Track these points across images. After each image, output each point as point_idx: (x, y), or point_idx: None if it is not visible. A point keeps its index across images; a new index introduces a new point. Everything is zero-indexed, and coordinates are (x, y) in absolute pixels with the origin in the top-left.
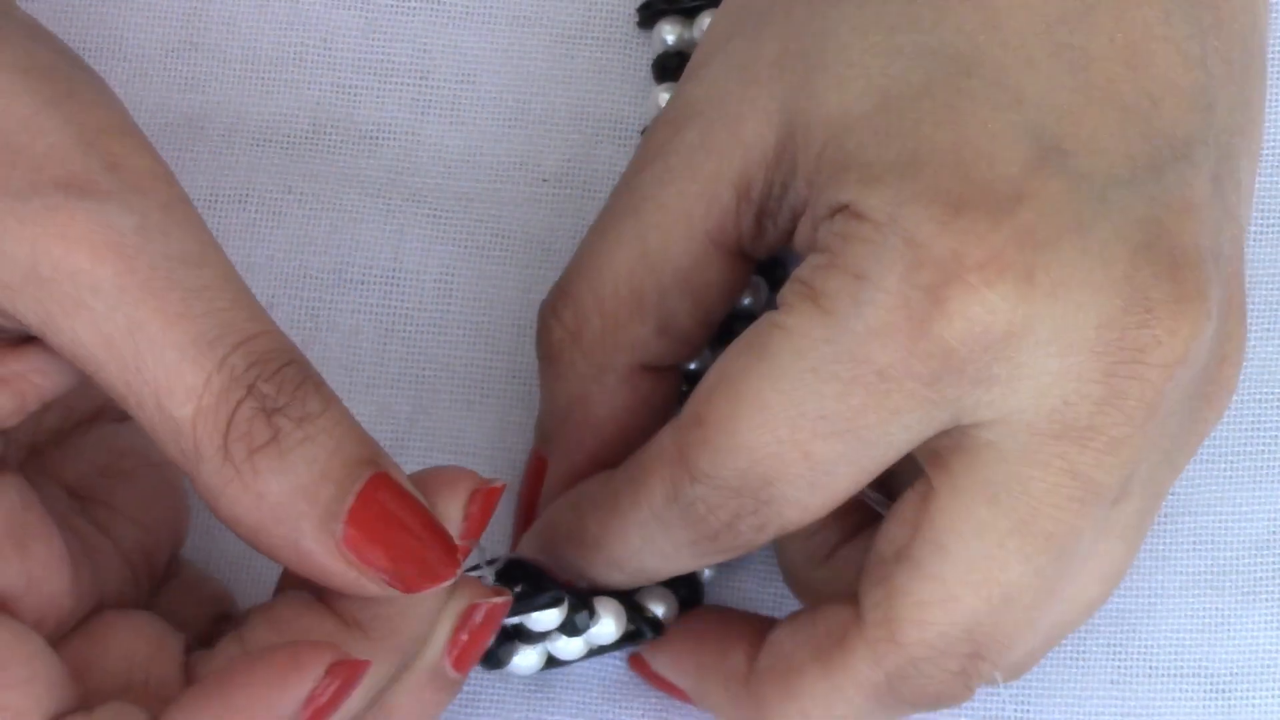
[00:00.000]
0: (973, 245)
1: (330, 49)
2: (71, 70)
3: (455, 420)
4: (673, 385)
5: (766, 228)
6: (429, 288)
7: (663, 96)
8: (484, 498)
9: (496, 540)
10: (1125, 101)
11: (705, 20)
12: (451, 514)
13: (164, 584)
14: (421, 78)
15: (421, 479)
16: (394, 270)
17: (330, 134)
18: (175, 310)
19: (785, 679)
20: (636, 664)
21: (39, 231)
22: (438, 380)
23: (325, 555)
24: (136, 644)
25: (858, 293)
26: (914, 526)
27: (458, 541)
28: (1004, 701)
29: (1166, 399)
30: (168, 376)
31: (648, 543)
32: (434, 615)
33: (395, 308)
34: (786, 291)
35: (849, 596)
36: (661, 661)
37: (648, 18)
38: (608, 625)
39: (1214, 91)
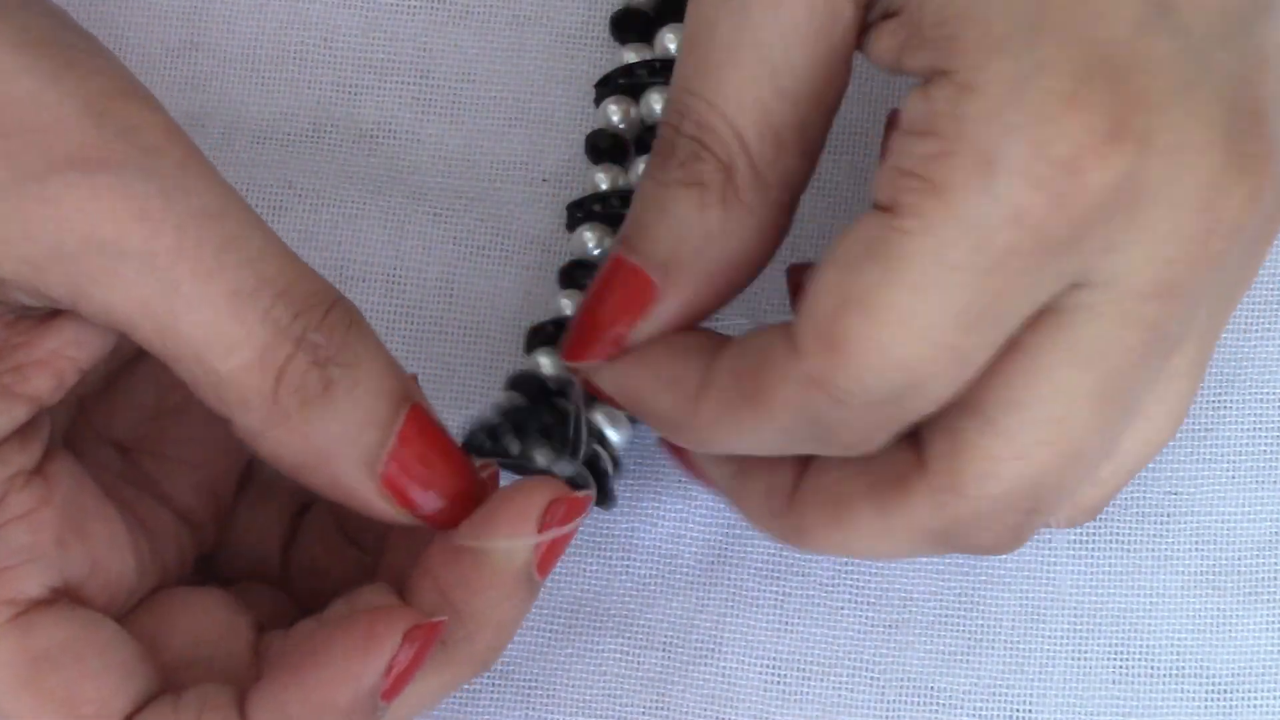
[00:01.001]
0: (1098, 115)
1: (331, 48)
2: (69, 37)
3: (455, 419)
4: (797, 207)
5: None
6: (429, 286)
7: (599, 177)
8: (568, 507)
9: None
10: None
11: (654, 98)
12: (524, 521)
13: (240, 497)
14: (422, 77)
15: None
16: (394, 269)
17: (331, 133)
18: (208, 266)
19: (835, 509)
20: (674, 450)
21: (61, 211)
22: (438, 379)
23: (365, 492)
24: (205, 622)
25: (989, 179)
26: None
27: (537, 561)
28: (1004, 702)
29: (1241, 248)
30: (207, 333)
31: (768, 447)
32: (511, 625)
33: (395, 306)
34: (896, 188)
35: (907, 439)
36: (704, 457)
37: (602, 94)
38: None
39: None
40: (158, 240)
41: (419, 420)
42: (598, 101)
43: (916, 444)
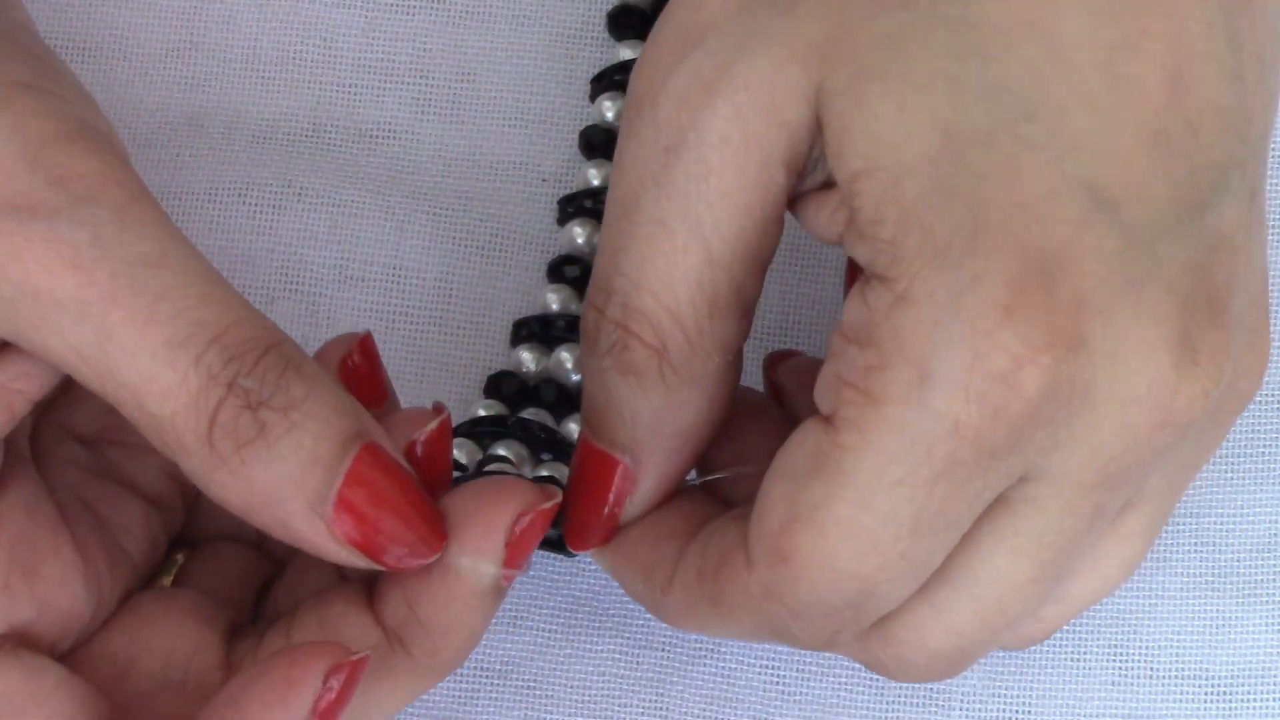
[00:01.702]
0: (1034, 325)
1: (330, 48)
2: (15, 71)
3: (455, 419)
4: (741, 360)
5: (800, 185)
6: (429, 286)
7: (592, 173)
8: (534, 520)
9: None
10: (1170, 136)
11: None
12: (491, 538)
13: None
14: (422, 77)
15: (471, 489)
16: (394, 268)
17: (331, 133)
18: (142, 317)
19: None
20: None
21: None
22: (437, 379)
23: (315, 535)
24: (175, 641)
25: (925, 392)
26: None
27: (504, 572)
28: (1004, 702)
29: (1197, 432)
30: (143, 380)
31: (733, 636)
32: (477, 635)
33: (395, 305)
34: (837, 399)
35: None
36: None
37: (597, 91)
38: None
39: (1249, 103)
40: (91, 289)
41: (372, 459)
42: (593, 98)
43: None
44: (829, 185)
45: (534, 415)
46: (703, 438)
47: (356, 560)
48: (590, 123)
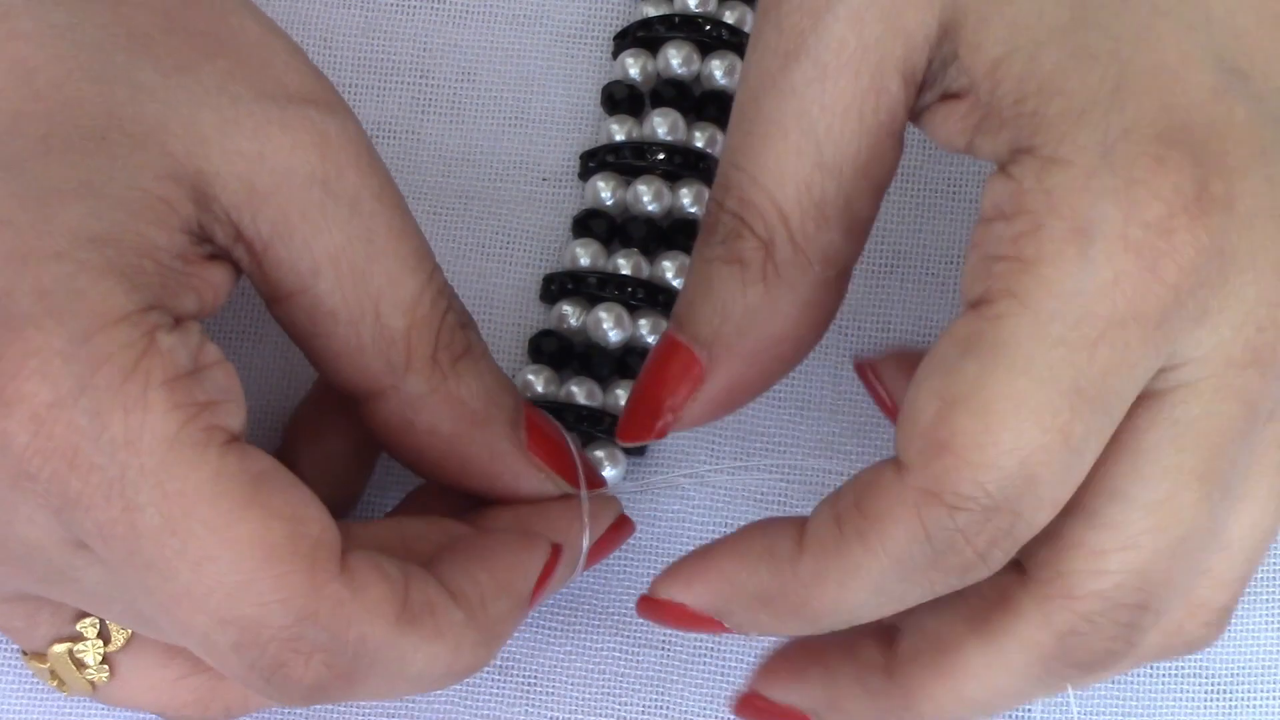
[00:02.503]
0: (1186, 178)
1: (331, 48)
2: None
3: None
4: (847, 283)
5: (920, 99)
6: None
7: (614, 128)
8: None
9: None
10: None
11: (671, 53)
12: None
13: None
14: (422, 76)
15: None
16: None
17: None
18: (399, 224)
19: (938, 658)
20: (746, 705)
21: (295, 139)
22: None
23: (516, 456)
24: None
25: (1084, 246)
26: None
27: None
28: None
29: None
30: (390, 286)
31: (876, 596)
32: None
33: None
34: (988, 276)
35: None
36: (782, 687)
37: (619, 47)
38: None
39: None
40: (366, 186)
41: (530, 408)
42: (615, 54)
43: (1014, 563)
44: (954, 96)
45: (580, 386)
46: (782, 354)
47: (545, 485)
48: (613, 78)
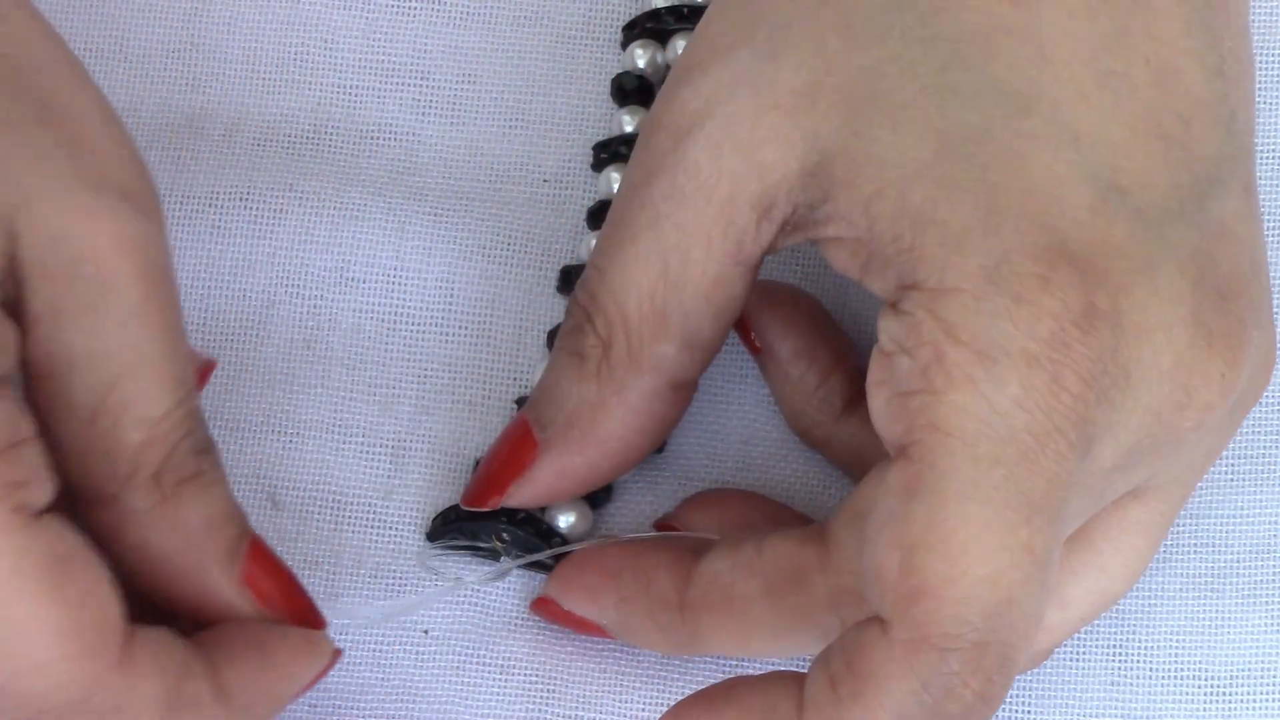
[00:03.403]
0: (1072, 295)
1: (331, 49)
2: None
3: (458, 419)
4: (688, 398)
5: (792, 236)
6: (431, 287)
7: (625, 119)
8: None
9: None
10: (1164, 128)
11: (679, 44)
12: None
13: None
14: (422, 78)
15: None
16: (396, 269)
17: (331, 134)
18: (169, 345)
19: (729, 610)
20: (541, 607)
21: (100, 234)
22: (440, 380)
23: (227, 588)
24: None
25: (990, 367)
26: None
27: None
28: (1004, 703)
29: (1215, 423)
30: (138, 401)
31: None
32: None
33: (397, 307)
34: (904, 414)
35: (802, 533)
36: (576, 599)
37: (629, 38)
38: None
39: (1232, 98)
40: (149, 299)
41: (260, 544)
42: (624, 45)
43: (808, 541)
44: (838, 238)
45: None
46: (609, 452)
47: (251, 609)
48: (623, 69)
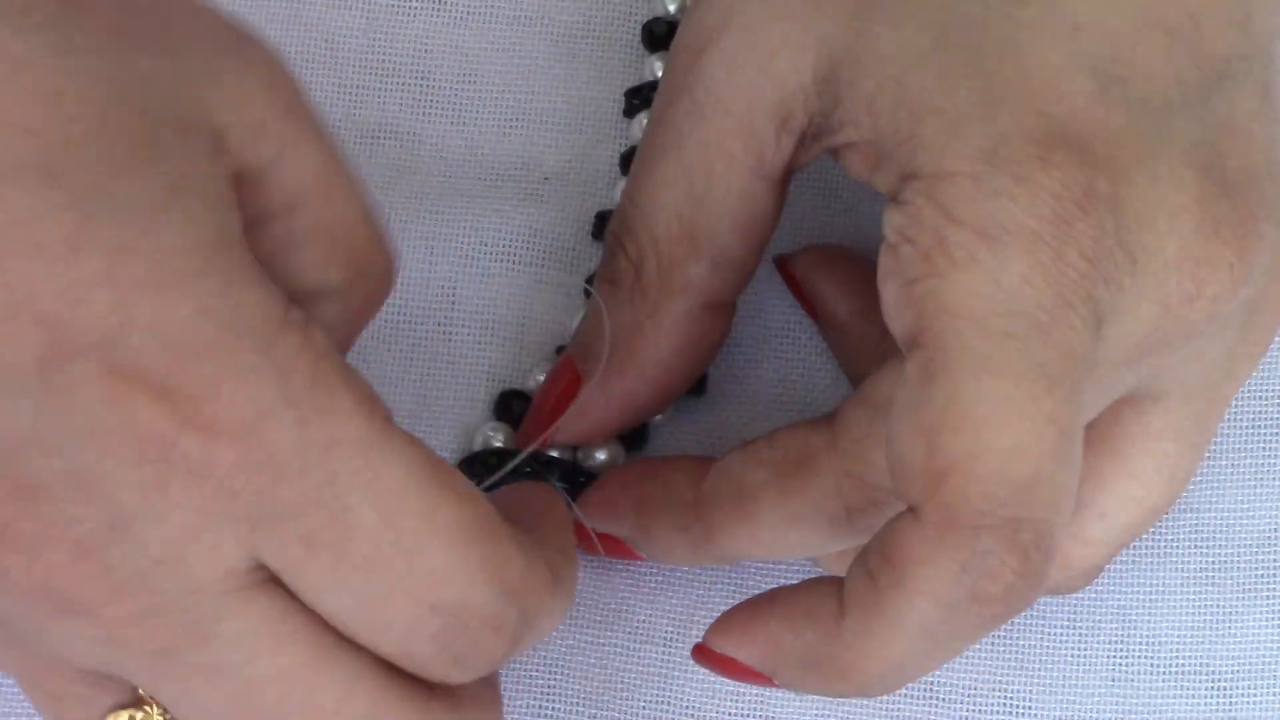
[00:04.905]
0: (1072, 176)
1: (332, 49)
2: None
3: (460, 418)
4: (726, 321)
5: (810, 149)
6: (432, 287)
7: (656, 65)
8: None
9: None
10: (1170, 24)
11: None
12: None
13: None
14: (423, 77)
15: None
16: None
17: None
18: (340, 149)
19: (738, 501)
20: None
21: (263, 75)
22: (442, 378)
23: None
24: None
25: (993, 245)
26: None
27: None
28: (1005, 696)
29: (1225, 312)
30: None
31: (924, 646)
32: None
33: (399, 305)
34: (912, 302)
35: (812, 421)
36: (597, 510)
37: None
38: None
39: (1250, 0)
40: (315, 112)
41: None
42: None
43: (818, 427)
44: (853, 143)
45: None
46: (655, 376)
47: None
48: (653, 15)
